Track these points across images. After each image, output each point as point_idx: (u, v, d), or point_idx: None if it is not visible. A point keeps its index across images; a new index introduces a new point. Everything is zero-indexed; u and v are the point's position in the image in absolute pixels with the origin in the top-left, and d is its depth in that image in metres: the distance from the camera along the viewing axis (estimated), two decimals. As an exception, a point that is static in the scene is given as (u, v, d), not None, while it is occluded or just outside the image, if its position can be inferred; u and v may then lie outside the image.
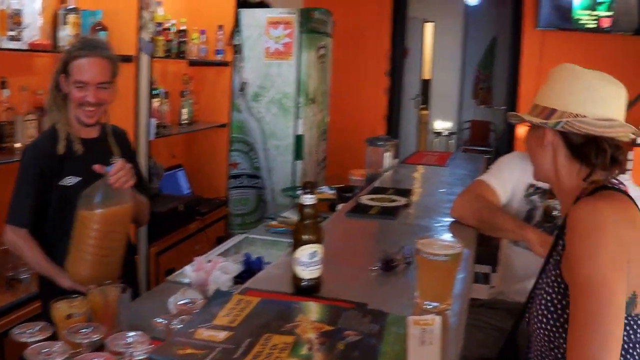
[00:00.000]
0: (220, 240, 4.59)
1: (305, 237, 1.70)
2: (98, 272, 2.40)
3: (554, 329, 1.67)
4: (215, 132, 5.35)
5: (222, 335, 1.37)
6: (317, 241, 1.71)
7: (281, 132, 5.33)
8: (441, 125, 11.74)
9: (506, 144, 7.61)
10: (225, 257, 2.77)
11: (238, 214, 5.48)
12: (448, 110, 11.68)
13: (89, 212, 2.39)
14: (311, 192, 1.71)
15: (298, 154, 5.33)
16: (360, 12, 7.29)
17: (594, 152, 1.72)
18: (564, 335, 1.63)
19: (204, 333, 1.38)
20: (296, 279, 1.72)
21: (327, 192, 3.96)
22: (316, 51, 5.41)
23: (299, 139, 5.31)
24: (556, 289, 1.66)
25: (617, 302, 1.51)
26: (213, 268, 2.33)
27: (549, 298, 1.68)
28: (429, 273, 1.66)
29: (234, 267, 2.46)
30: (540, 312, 1.71)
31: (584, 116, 1.72)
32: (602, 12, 6.62)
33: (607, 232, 1.54)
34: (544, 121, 1.77)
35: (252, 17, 5.28)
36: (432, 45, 11.44)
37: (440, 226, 2.64)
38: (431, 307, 1.63)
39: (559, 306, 1.65)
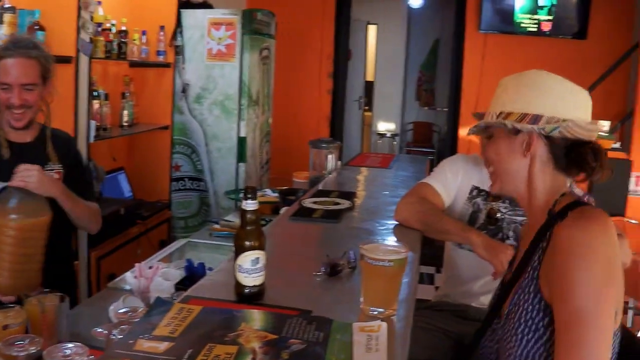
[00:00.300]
0: (162, 244, 4.53)
1: (247, 243, 1.66)
2: (15, 280, 2.29)
3: (535, 347, 1.61)
4: (157, 134, 5.28)
5: (163, 346, 1.33)
6: (260, 247, 1.68)
7: (224, 134, 5.29)
8: (384, 126, 11.80)
9: (449, 146, 7.67)
10: (167, 263, 2.73)
11: (181, 217, 5.43)
12: (391, 111, 11.75)
13: (3, 218, 2.29)
14: (253, 198, 1.68)
15: (241, 156, 5.30)
16: (303, 14, 7.28)
17: (591, 154, 1.67)
18: (544, 355, 1.59)
19: (145, 344, 1.34)
20: (239, 286, 1.68)
21: (271, 194, 3.93)
22: (259, 53, 5.38)
23: (241, 141, 5.28)
24: (537, 307, 1.61)
25: (606, 329, 1.49)
26: (154, 274, 2.28)
27: (528, 317, 1.63)
28: (373, 279, 1.64)
29: (176, 273, 2.42)
30: (520, 330, 1.64)
31: (572, 120, 1.67)
32: (542, 16, 6.75)
33: (599, 259, 1.51)
34: (541, 127, 1.68)
35: (194, 18, 5.23)
36: (376, 47, 11.49)
37: (384, 229, 2.63)
38: (376, 312, 1.62)
39: (540, 324, 1.60)
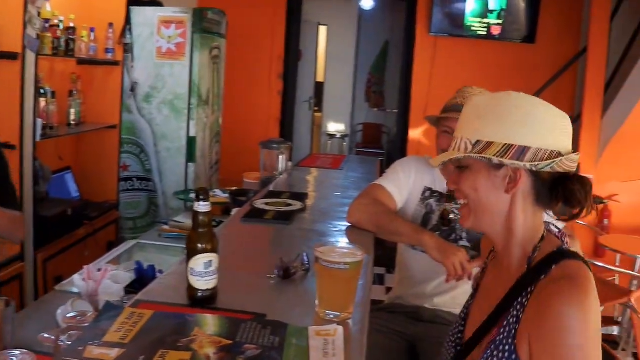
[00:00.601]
0: (110, 245, 4.46)
1: (199, 246, 1.63)
2: None
3: None
4: (104, 133, 5.19)
5: (113, 353, 1.29)
6: (212, 250, 1.65)
7: (173, 134, 5.23)
8: (334, 127, 11.82)
9: (399, 147, 7.70)
10: (116, 265, 2.68)
11: (129, 218, 5.35)
12: (341, 112, 11.77)
13: None
14: (205, 199, 1.64)
15: (190, 156, 5.24)
16: (254, 14, 7.24)
17: (579, 188, 1.50)
18: None
19: (95, 351, 1.30)
20: (191, 290, 1.65)
21: (221, 195, 3.89)
22: (209, 52, 5.33)
23: (191, 141, 5.22)
24: None
25: None
26: (103, 277, 2.23)
27: None
28: (329, 282, 1.62)
29: (125, 276, 2.37)
30: None
31: (559, 152, 1.50)
32: (492, 20, 6.81)
33: (593, 331, 1.40)
34: (534, 163, 1.49)
35: (144, 16, 5.16)
36: (326, 48, 11.49)
37: (337, 231, 2.62)
38: (332, 316, 1.60)
39: None
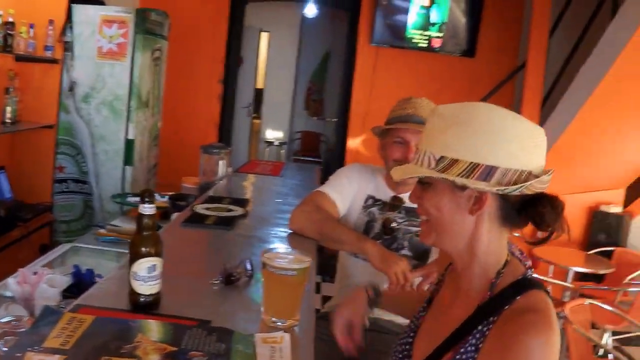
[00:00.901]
0: (44, 249, 4.36)
1: (143, 249, 1.60)
2: None
3: None
4: (40, 133, 5.07)
5: (54, 359, 1.25)
6: (156, 254, 1.62)
7: (111, 136, 5.13)
8: (272, 134, 11.79)
9: (337, 156, 7.72)
10: (52, 269, 2.61)
11: (63, 221, 5.23)
12: (280, 120, 11.76)
13: None
14: (150, 202, 1.61)
15: (128, 159, 5.16)
16: (197, 17, 7.19)
17: (550, 209, 1.42)
18: None
19: (34, 357, 1.25)
20: (133, 295, 1.61)
21: (159, 199, 3.84)
22: (151, 53, 5.26)
23: (129, 144, 5.15)
24: None
25: None
26: (39, 281, 2.16)
27: None
28: (276, 288, 1.60)
29: (63, 279, 2.31)
30: None
31: (530, 172, 1.41)
32: (433, 33, 6.93)
33: None
34: (501, 188, 1.38)
35: (85, 14, 5.06)
36: (267, 55, 11.47)
37: (278, 237, 2.61)
38: (279, 323, 1.58)
39: None
